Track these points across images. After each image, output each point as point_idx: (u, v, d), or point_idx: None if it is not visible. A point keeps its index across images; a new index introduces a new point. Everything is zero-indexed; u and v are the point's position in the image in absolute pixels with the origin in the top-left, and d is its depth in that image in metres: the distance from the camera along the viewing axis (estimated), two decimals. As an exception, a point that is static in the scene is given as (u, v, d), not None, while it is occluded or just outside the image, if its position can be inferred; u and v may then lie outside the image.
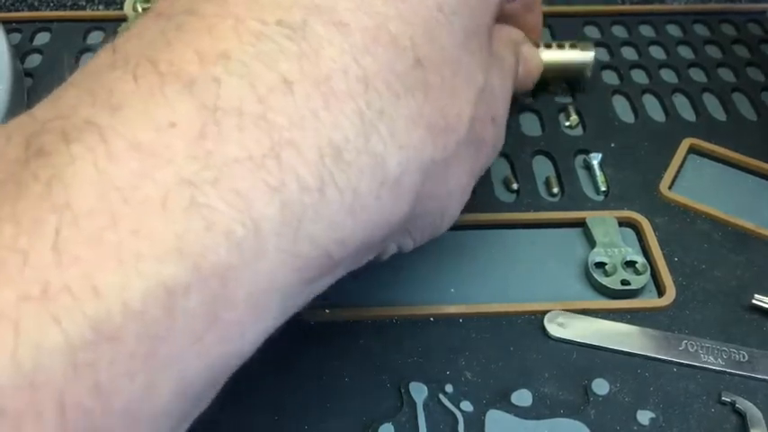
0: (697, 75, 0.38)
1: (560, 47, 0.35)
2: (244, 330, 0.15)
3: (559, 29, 0.40)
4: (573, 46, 0.35)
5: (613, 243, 0.29)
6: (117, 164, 0.14)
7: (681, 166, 0.33)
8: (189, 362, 0.14)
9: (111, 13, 0.39)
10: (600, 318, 0.27)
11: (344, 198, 0.16)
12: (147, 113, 0.15)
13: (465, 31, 0.19)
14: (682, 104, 0.36)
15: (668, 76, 0.38)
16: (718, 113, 0.36)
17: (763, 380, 0.25)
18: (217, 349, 0.15)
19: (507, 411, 0.24)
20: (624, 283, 0.27)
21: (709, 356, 0.26)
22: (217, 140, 0.15)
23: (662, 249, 0.29)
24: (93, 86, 0.15)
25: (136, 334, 0.13)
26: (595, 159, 0.32)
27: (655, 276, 0.28)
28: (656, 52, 0.39)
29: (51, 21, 0.39)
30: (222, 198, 0.14)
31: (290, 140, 0.15)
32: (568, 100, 0.36)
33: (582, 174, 0.32)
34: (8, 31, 0.36)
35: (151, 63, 0.15)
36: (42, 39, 0.38)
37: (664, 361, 0.25)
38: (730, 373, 0.25)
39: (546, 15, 0.41)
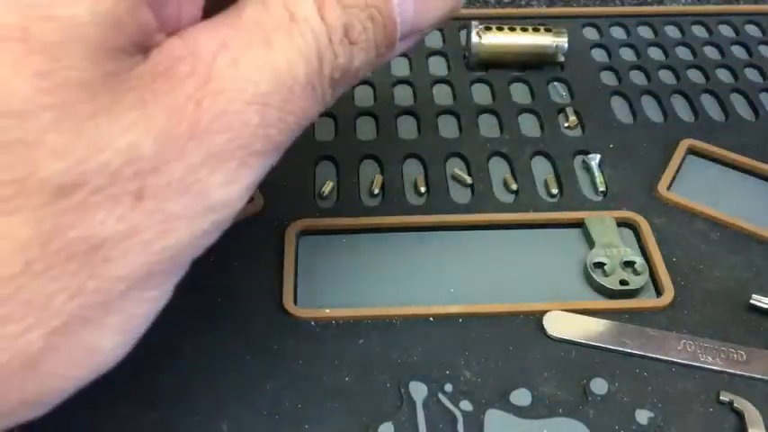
0: (695, 76, 0.38)
1: (536, 30, 0.37)
2: None
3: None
4: (547, 30, 0.37)
5: (612, 243, 0.29)
6: None
7: (679, 166, 0.33)
8: None
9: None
10: (599, 317, 0.27)
11: None
12: None
13: None
14: (680, 105, 0.36)
15: (667, 77, 0.38)
16: (717, 114, 0.36)
17: (761, 379, 0.25)
18: None
19: (506, 411, 0.24)
20: (623, 283, 0.28)
21: (708, 356, 0.26)
22: None
23: (660, 249, 0.29)
24: None
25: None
26: (594, 160, 0.33)
27: (653, 276, 0.28)
28: (655, 53, 0.39)
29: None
30: None
31: None
32: (567, 101, 0.36)
33: (581, 174, 0.33)
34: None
35: None
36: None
37: (662, 361, 0.26)
38: (728, 373, 0.25)
39: (545, 17, 0.41)
